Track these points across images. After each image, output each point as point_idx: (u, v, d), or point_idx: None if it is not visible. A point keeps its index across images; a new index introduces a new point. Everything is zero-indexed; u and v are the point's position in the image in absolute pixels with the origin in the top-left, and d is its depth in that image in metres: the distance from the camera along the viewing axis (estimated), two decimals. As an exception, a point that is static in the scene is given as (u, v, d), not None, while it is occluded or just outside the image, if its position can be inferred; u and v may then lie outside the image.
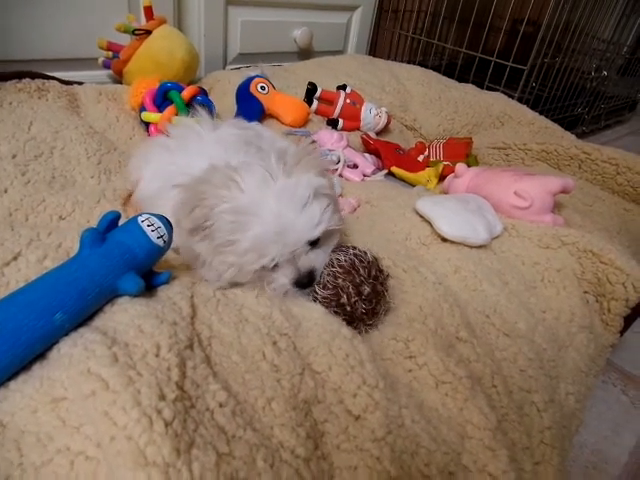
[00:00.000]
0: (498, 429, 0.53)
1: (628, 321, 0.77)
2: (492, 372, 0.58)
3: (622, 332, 0.78)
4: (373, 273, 0.61)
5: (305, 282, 0.59)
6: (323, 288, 0.60)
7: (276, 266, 0.58)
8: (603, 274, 0.77)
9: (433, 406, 0.54)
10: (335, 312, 0.59)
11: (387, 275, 0.64)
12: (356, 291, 0.59)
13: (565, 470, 0.57)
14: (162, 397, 0.39)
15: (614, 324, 0.77)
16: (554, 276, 0.77)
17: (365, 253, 0.62)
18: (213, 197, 0.55)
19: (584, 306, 0.75)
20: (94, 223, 0.67)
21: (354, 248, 0.63)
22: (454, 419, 0.54)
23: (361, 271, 0.60)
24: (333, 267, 0.60)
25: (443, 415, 0.54)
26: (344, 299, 0.59)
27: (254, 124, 0.95)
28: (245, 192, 0.55)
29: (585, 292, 0.77)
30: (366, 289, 0.59)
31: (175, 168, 0.70)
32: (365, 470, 0.45)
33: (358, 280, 0.59)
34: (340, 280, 0.59)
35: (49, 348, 0.45)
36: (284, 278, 0.59)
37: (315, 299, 0.61)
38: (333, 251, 0.62)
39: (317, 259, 0.60)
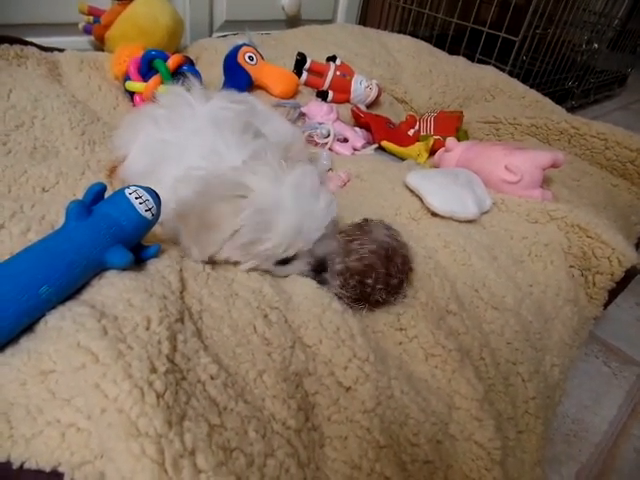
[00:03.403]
0: (485, 399, 0.54)
1: (612, 295, 0.78)
2: (480, 345, 0.59)
3: (606, 305, 0.79)
4: (405, 268, 0.59)
5: (321, 268, 0.60)
6: (355, 259, 0.57)
7: (295, 255, 0.59)
8: (589, 248, 0.78)
9: (422, 377, 0.55)
10: (346, 284, 0.57)
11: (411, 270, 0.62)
12: (384, 279, 0.57)
13: (548, 438, 0.59)
14: (153, 370, 0.39)
15: (598, 297, 0.78)
16: (542, 250, 0.77)
17: (405, 245, 0.60)
18: (232, 207, 0.55)
19: (570, 280, 0.76)
20: (79, 195, 0.66)
21: (396, 232, 0.61)
22: (443, 390, 0.55)
23: (397, 260, 0.58)
24: (375, 242, 0.58)
25: (432, 386, 0.55)
26: (370, 280, 0.57)
27: (246, 95, 0.93)
28: (261, 193, 0.56)
29: (571, 266, 0.78)
30: (394, 281, 0.58)
31: (166, 145, 0.68)
32: (355, 440, 0.46)
33: (392, 270, 0.57)
34: (376, 259, 0.57)
35: (36, 321, 0.44)
36: (303, 266, 0.60)
37: (337, 264, 0.58)
38: (373, 224, 0.62)
39: (331, 243, 0.60)
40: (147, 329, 0.43)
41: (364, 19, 1.97)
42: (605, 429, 0.79)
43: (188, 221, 0.56)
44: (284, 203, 0.56)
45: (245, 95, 0.93)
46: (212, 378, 0.43)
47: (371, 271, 0.57)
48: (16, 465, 0.37)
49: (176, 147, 0.67)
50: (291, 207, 0.56)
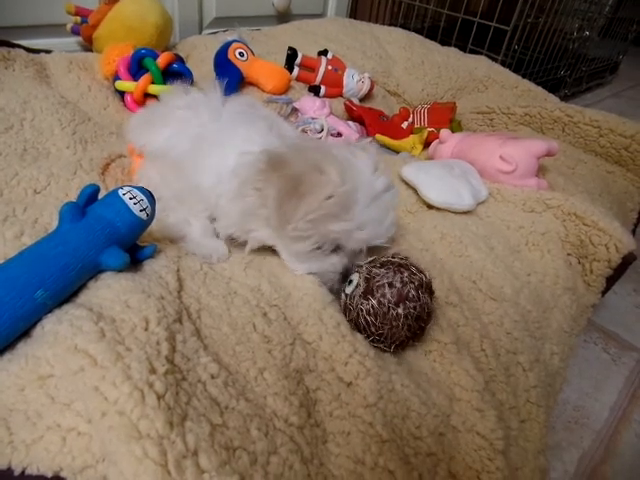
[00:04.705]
0: (486, 390, 0.54)
1: (610, 282, 0.78)
2: (480, 336, 0.59)
3: (604, 292, 0.79)
4: (430, 320, 0.56)
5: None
6: (372, 311, 0.52)
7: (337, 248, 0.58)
8: (586, 236, 0.78)
9: (422, 371, 0.55)
10: (354, 318, 0.54)
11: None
12: (393, 335, 0.53)
13: (549, 426, 0.59)
14: (153, 371, 0.39)
15: (596, 285, 0.78)
16: (539, 239, 0.77)
17: (428, 303, 0.54)
18: (320, 185, 0.53)
19: (568, 268, 0.76)
20: (71, 195, 0.66)
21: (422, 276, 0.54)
22: (443, 382, 0.55)
23: (416, 323, 0.53)
24: (400, 302, 0.51)
25: (432, 379, 0.55)
26: (380, 331, 0.52)
27: (253, 100, 0.92)
28: (358, 173, 0.56)
29: (568, 254, 0.78)
30: (402, 338, 0.53)
31: (208, 132, 0.67)
32: (358, 435, 0.46)
33: (403, 331, 0.53)
34: (395, 322, 0.51)
35: (33, 326, 0.44)
36: (340, 265, 0.59)
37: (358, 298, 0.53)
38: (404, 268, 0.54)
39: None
40: (145, 330, 0.43)
41: (354, 13, 1.96)
42: (606, 415, 0.79)
43: (276, 187, 0.54)
44: (376, 192, 0.56)
45: (251, 99, 0.93)
46: (212, 377, 0.43)
47: (384, 327, 0.52)
48: (17, 471, 0.37)
49: (220, 133, 0.66)
50: (367, 191, 0.56)
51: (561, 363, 0.66)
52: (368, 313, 0.52)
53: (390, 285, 0.51)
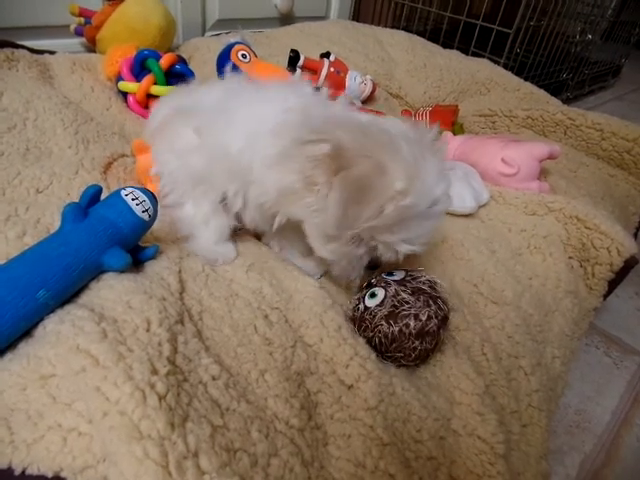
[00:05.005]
0: (486, 394, 0.54)
1: (612, 285, 0.78)
2: (482, 340, 0.59)
3: (605, 296, 0.79)
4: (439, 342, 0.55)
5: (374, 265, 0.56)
6: (391, 334, 0.51)
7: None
8: (588, 239, 0.78)
9: (422, 375, 0.55)
10: (369, 335, 0.53)
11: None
12: (420, 357, 0.53)
13: (551, 431, 0.59)
14: (154, 372, 0.39)
15: (598, 288, 0.78)
16: (540, 243, 0.77)
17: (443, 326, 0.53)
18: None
19: (569, 271, 0.76)
20: (73, 195, 0.66)
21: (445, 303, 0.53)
22: (443, 386, 0.55)
23: (435, 349, 0.54)
24: (419, 330, 0.51)
25: (432, 383, 0.55)
26: (390, 348, 0.52)
27: None
28: (404, 186, 0.49)
29: (570, 258, 0.78)
30: (426, 356, 0.54)
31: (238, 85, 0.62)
32: (359, 438, 0.46)
33: (430, 353, 0.54)
34: (411, 343, 0.51)
35: (34, 326, 0.44)
36: (373, 252, 0.55)
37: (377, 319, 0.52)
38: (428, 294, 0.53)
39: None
40: (147, 331, 0.43)
41: (357, 15, 1.97)
42: (607, 419, 0.79)
43: (339, 191, 0.47)
44: (433, 200, 0.51)
45: None
46: (214, 379, 0.43)
47: (397, 354, 0.52)
48: (18, 471, 0.37)
49: (254, 89, 0.60)
50: (434, 208, 0.51)
51: (563, 367, 0.66)
52: (385, 337, 0.51)
53: (416, 317, 0.50)
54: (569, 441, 0.75)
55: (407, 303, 0.51)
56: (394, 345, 0.51)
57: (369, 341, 0.53)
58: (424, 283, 0.53)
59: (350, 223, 0.49)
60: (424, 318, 0.50)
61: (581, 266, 0.79)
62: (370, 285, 0.56)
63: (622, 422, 0.79)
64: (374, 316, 0.52)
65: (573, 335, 0.71)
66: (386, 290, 0.53)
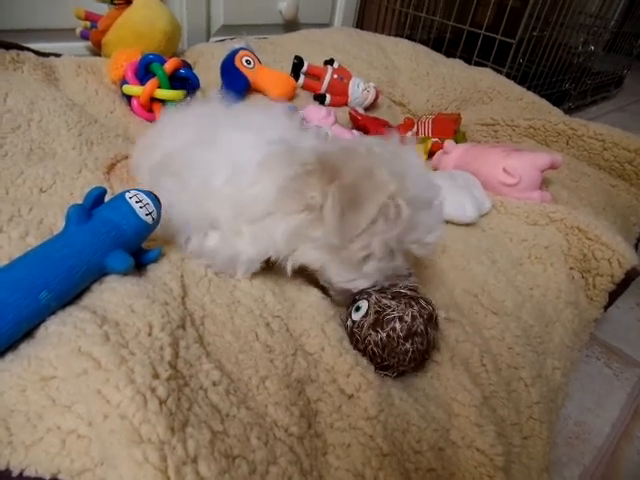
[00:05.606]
0: (484, 405, 0.53)
1: (613, 297, 0.78)
2: (481, 351, 0.59)
3: (606, 307, 0.79)
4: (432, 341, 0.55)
5: None
6: (378, 341, 0.51)
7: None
8: (589, 250, 0.78)
9: (419, 387, 0.55)
10: (359, 344, 0.53)
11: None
12: (415, 359, 0.53)
13: (552, 443, 0.59)
14: (156, 376, 0.39)
15: (599, 299, 0.78)
16: (541, 253, 0.77)
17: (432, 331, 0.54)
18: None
19: (570, 282, 0.76)
20: (76, 195, 0.66)
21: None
22: (441, 397, 0.54)
23: (430, 351, 0.55)
24: (408, 340, 0.51)
25: (430, 394, 0.54)
26: (377, 356, 0.52)
27: None
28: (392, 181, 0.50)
29: (571, 268, 0.78)
30: (422, 359, 0.54)
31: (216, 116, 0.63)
32: (358, 447, 0.46)
33: (426, 355, 0.54)
34: (400, 354, 0.52)
35: (36, 327, 0.44)
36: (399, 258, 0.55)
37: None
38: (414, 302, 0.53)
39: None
40: (149, 335, 0.43)
41: (361, 23, 1.98)
42: (607, 431, 0.78)
43: (335, 200, 0.48)
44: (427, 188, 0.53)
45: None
46: (214, 384, 0.43)
47: (391, 359, 0.52)
48: (15, 473, 0.37)
49: (234, 118, 0.62)
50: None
51: (563, 378, 0.66)
52: (376, 345, 0.52)
53: (400, 319, 0.51)
54: (568, 452, 0.75)
55: (389, 307, 0.52)
56: (386, 351, 0.51)
57: (363, 354, 0.53)
58: (403, 288, 0.55)
59: (353, 230, 0.50)
60: (409, 319, 0.51)
61: (582, 277, 0.79)
62: (354, 300, 0.56)
63: (622, 434, 0.79)
64: (361, 328, 0.53)
65: (574, 346, 0.71)
66: (368, 300, 0.54)
